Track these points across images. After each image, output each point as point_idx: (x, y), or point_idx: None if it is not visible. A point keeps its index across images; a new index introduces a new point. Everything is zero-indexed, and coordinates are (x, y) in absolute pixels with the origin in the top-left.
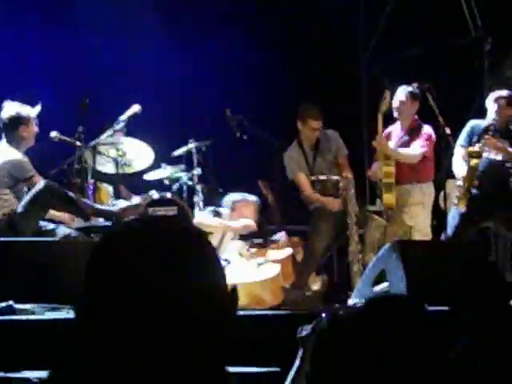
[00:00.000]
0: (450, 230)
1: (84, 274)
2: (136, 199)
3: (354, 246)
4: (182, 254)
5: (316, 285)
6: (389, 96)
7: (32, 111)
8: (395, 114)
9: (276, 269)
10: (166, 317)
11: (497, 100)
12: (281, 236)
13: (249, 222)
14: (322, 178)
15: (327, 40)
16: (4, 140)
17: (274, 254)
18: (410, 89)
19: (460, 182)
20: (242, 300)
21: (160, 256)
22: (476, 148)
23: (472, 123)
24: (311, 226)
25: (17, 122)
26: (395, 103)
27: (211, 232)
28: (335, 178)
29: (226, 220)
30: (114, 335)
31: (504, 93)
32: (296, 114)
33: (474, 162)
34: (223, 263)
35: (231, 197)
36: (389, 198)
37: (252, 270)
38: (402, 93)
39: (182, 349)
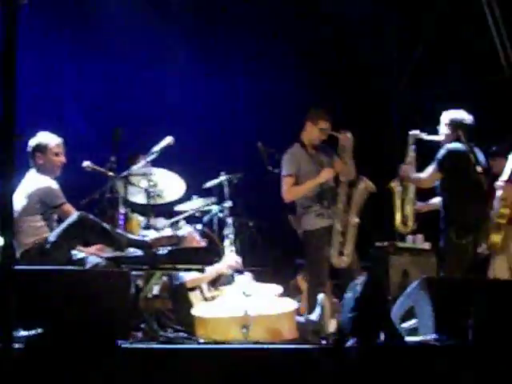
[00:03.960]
0: None
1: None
2: (167, 230)
3: (339, 206)
4: None
5: (331, 327)
6: None
7: (52, 140)
8: None
9: (294, 303)
10: None
11: None
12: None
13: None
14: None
15: (361, 75)
16: (32, 168)
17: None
18: None
19: None
20: (259, 332)
21: None
22: None
23: None
24: (309, 256)
25: (34, 149)
26: None
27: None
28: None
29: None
30: None
31: None
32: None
33: None
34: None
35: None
36: (496, 237)
37: (271, 303)
38: None
39: None
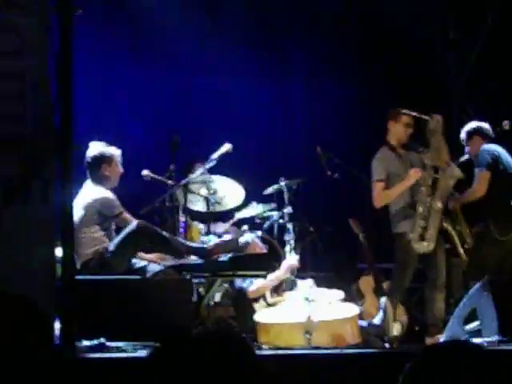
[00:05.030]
0: None
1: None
2: (227, 236)
3: (423, 188)
4: None
5: (395, 330)
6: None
7: (115, 151)
8: None
9: (356, 308)
10: None
11: None
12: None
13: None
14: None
15: (418, 78)
16: (89, 179)
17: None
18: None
19: None
20: (322, 337)
21: None
22: None
23: None
24: (396, 258)
25: (99, 161)
26: None
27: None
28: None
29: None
30: None
31: None
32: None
33: None
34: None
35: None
36: None
37: (333, 308)
38: None
39: None
